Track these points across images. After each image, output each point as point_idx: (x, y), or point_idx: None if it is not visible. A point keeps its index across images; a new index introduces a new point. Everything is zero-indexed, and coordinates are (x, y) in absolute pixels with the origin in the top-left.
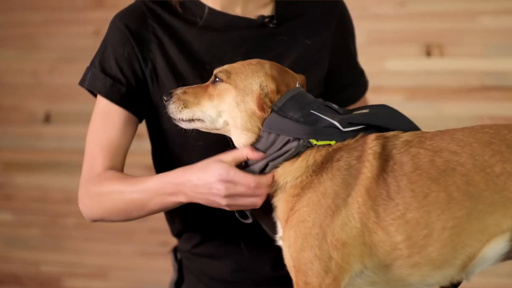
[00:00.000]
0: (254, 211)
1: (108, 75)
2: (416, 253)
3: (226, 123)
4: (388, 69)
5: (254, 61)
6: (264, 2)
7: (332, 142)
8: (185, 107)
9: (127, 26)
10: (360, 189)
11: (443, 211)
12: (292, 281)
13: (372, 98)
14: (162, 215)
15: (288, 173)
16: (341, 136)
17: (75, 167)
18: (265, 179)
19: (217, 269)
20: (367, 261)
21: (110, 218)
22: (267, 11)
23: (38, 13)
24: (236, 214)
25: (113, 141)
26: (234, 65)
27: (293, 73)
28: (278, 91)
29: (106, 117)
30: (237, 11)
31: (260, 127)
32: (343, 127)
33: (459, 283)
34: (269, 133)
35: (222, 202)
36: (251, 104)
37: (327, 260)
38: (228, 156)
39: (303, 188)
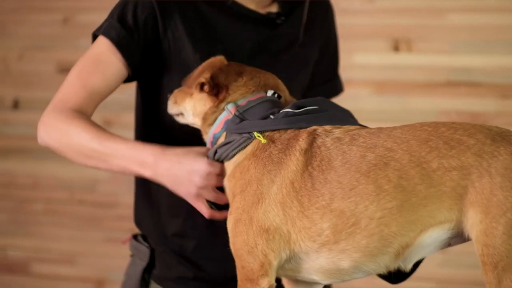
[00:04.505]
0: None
1: (124, 27)
2: (343, 240)
3: (193, 115)
4: (357, 63)
5: (212, 58)
6: (270, 1)
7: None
8: (175, 103)
9: None
10: (285, 180)
11: (371, 202)
12: None
13: None
14: (129, 202)
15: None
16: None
17: (43, 153)
18: None
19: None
20: (294, 247)
21: (65, 154)
22: (274, 8)
23: (8, 0)
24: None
25: (97, 87)
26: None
27: (268, 75)
28: (214, 79)
29: (102, 63)
30: (252, 6)
31: (213, 109)
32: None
33: (401, 272)
34: (231, 134)
35: (192, 191)
36: (204, 94)
37: (253, 246)
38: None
39: (241, 172)
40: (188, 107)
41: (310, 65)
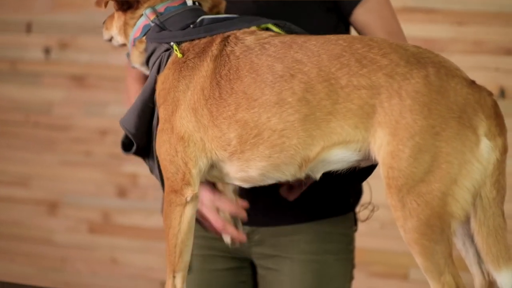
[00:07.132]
0: None
1: None
2: (248, 150)
3: (118, 34)
4: None
5: None
6: None
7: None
8: (106, 29)
9: None
10: (197, 86)
11: (274, 114)
12: None
13: None
14: (85, 125)
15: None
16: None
17: None
18: None
19: None
20: (211, 155)
21: None
22: None
23: None
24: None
25: None
26: None
27: None
28: None
29: None
30: None
31: (130, 16)
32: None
33: (310, 180)
34: (151, 42)
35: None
36: (120, 12)
37: (174, 155)
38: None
39: (162, 82)
40: (114, 28)
41: None
